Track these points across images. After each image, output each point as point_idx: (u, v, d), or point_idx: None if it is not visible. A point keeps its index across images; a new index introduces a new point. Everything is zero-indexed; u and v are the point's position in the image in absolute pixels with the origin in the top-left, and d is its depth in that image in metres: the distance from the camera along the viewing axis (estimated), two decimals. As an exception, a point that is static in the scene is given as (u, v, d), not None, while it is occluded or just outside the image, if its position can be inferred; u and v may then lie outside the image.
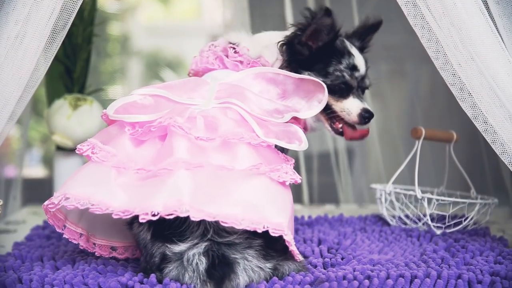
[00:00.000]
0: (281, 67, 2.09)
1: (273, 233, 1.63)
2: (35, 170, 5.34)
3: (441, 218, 2.46)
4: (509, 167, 1.92)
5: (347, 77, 2.14)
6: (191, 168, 1.68)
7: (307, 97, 1.96)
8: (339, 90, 2.15)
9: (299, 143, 1.83)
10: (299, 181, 1.78)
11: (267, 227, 1.63)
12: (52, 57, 1.94)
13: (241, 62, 2.08)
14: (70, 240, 1.90)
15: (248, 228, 1.62)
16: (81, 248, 1.93)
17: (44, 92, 2.91)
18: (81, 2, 1.91)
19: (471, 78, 1.90)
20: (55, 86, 2.82)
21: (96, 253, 1.93)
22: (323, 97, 1.95)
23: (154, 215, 1.60)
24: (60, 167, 2.76)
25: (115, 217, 1.65)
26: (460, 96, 1.94)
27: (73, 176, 1.78)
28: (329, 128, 2.21)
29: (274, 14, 3.43)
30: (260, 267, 1.72)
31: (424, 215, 2.42)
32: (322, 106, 1.95)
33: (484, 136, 1.93)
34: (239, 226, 1.61)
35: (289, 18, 3.33)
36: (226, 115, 1.83)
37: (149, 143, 1.80)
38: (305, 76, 2.01)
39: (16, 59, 1.84)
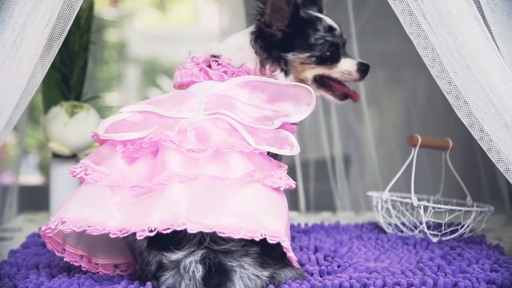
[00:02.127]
0: (262, 60, 2.12)
1: (271, 240, 1.63)
2: (31, 177, 5.34)
3: (437, 226, 2.46)
4: (505, 175, 1.93)
5: (331, 38, 2.17)
6: (185, 181, 1.68)
7: (296, 101, 1.94)
8: (330, 55, 2.17)
9: (291, 148, 1.83)
10: (294, 186, 1.78)
11: (265, 235, 1.63)
12: (49, 65, 1.94)
13: (225, 72, 2.08)
14: (71, 262, 1.89)
15: (245, 237, 1.62)
16: (84, 269, 1.91)
17: (40, 99, 2.90)
18: (78, 9, 1.91)
19: (467, 86, 1.90)
20: (51, 93, 2.82)
21: (100, 273, 1.91)
22: (311, 100, 1.92)
23: (151, 231, 1.60)
24: (57, 175, 2.76)
25: (112, 236, 1.65)
26: (456, 104, 1.94)
27: (69, 199, 1.78)
28: (333, 98, 2.25)
29: (270, 21, 3.43)
30: (257, 275, 1.72)
31: (421, 223, 2.42)
32: (311, 109, 1.92)
33: (480, 144, 1.94)
34: (237, 235, 1.61)
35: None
36: (217, 126, 1.82)
37: (142, 159, 1.80)
38: (291, 82, 2.01)
39: (13, 67, 1.84)
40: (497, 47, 1.89)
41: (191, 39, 6.15)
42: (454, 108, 1.95)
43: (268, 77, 2.08)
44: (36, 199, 3.28)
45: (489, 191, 3.18)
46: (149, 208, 1.65)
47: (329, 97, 2.25)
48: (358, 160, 3.91)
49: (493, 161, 1.93)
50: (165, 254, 1.71)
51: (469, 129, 1.94)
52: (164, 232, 1.60)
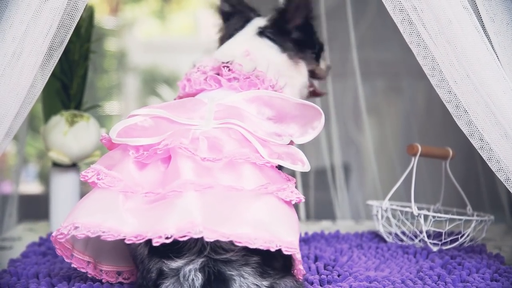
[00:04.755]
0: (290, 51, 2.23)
1: (286, 251, 1.63)
2: (31, 186, 5.33)
3: (437, 235, 2.46)
4: (505, 184, 1.93)
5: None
6: (200, 189, 1.67)
7: (302, 122, 1.93)
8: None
9: (302, 164, 1.83)
10: (303, 199, 1.78)
11: (280, 246, 1.62)
12: (49, 74, 1.94)
13: (237, 78, 2.07)
14: (78, 269, 1.88)
15: (261, 247, 1.61)
16: (90, 276, 1.90)
17: (40, 108, 2.90)
18: (78, 19, 1.92)
19: (467, 95, 1.90)
20: (51, 102, 2.82)
21: (103, 280, 1.91)
22: (319, 124, 1.91)
23: (167, 238, 1.59)
24: (56, 184, 2.76)
25: (127, 242, 1.64)
26: (456, 113, 1.94)
27: (79, 204, 1.76)
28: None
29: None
30: (257, 285, 1.71)
31: (421, 232, 2.42)
32: (316, 133, 1.91)
33: (480, 153, 1.94)
34: (253, 245, 1.60)
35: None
36: (229, 136, 1.82)
37: (152, 166, 1.79)
38: (302, 101, 1.98)
39: (13, 76, 1.84)
40: (497, 56, 1.89)
41: (191, 48, 6.17)
42: (454, 117, 1.95)
43: (296, 65, 2.24)
44: (36, 208, 3.28)
45: (489, 200, 3.18)
46: (164, 214, 1.64)
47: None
48: (358, 169, 3.91)
49: (493, 170, 1.93)
50: (166, 262, 1.71)
51: (469, 138, 1.94)
52: (181, 239, 1.59)
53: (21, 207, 3.16)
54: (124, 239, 1.64)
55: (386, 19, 2.01)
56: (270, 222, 1.66)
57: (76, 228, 1.68)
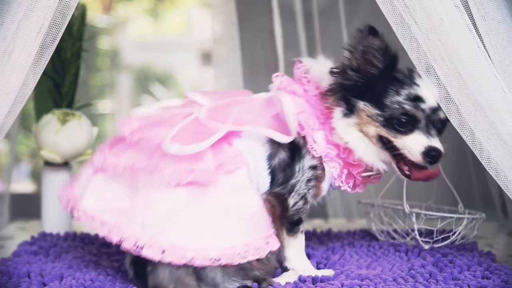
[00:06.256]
0: (325, 93, 2.01)
1: None
2: (23, 185, 5.32)
3: (429, 233, 2.47)
4: (494, 177, 1.93)
5: (408, 108, 1.93)
6: None
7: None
8: (400, 123, 1.94)
9: None
10: None
11: None
12: (41, 72, 1.93)
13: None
14: None
15: None
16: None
17: (32, 106, 2.90)
18: (70, 17, 1.91)
19: (459, 93, 1.91)
20: (43, 101, 2.82)
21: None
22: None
23: None
24: (48, 182, 2.75)
25: None
26: (448, 110, 1.95)
27: None
28: (396, 169, 2.01)
29: (263, 29, 3.44)
30: None
31: (412, 230, 2.43)
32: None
33: (471, 148, 1.94)
34: None
35: (278, 32, 3.34)
36: None
37: None
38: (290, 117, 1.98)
39: (4, 75, 1.84)
40: (489, 55, 1.90)
41: (184, 46, 6.16)
42: (446, 114, 1.96)
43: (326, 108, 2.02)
44: (28, 207, 3.27)
45: (480, 198, 3.18)
46: None
47: (393, 165, 2.01)
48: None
49: (483, 163, 1.93)
50: None
51: (459, 132, 1.94)
52: None
53: (13, 206, 3.14)
54: None
55: (379, 17, 2.00)
56: None
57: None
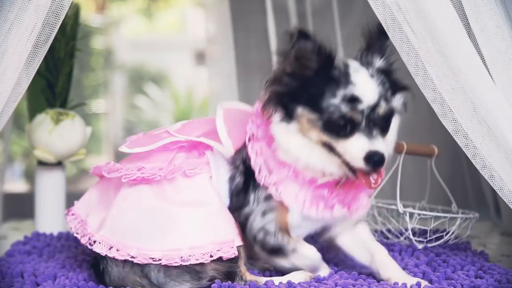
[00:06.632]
0: (264, 102, 1.88)
1: None
2: (17, 185, 5.30)
3: (422, 233, 2.47)
4: (489, 181, 1.93)
5: (345, 110, 1.78)
6: None
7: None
8: (339, 127, 1.79)
9: None
10: None
11: None
12: (34, 72, 1.93)
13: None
14: None
15: None
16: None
17: (26, 106, 2.89)
18: (63, 16, 1.91)
19: (452, 94, 1.91)
20: (37, 100, 2.81)
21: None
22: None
23: None
24: (42, 182, 2.74)
25: None
26: (441, 112, 1.95)
27: None
28: (348, 172, 1.84)
29: (257, 28, 3.44)
30: None
31: (406, 230, 2.43)
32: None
33: (465, 151, 1.94)
34: None
35: (272, 32, 3.34)
36: None
37: None
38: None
39: (-3, 74, 1.83)
40: (482, 54, 1.90)
41: (178, 46, 6.15)
42: (439, 116, 1.96)
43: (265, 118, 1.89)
44: (21, 207, 3.26)
45: (474, 198, 3.19)
46: None
47: (344, 168, 1.84)
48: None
49: (478, 167, 1.93)
50: None
51: (453, 136, 1.94)
52: None
53: (6, 205, 3.13)
54: None
55: (372, 18, 2.00)
56: None
57: None
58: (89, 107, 5.08)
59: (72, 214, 2.00)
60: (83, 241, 1.91)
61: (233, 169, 1.97)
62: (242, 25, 3.43)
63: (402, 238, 2.46)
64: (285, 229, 1.92)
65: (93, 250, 1.88)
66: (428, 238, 2.40)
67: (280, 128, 1.86)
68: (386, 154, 1.79)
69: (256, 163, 1.91)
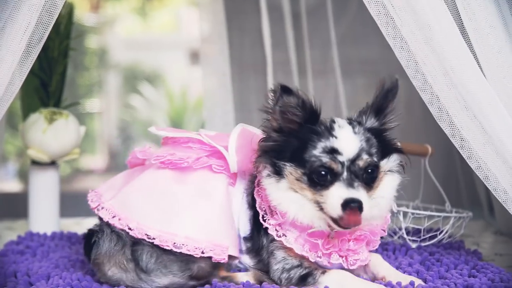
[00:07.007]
0: (258, 159, 1.92)
1: None
2: (10, 185, 5.29)
3: (416, 232, 2.48)
4: (484, 182, 1.94)
5: (325, 160, 1.81)
6: None
7: None
8: (319, 177, 1.82)
9: None
10: None
11: None
12: (27, 71, 1.92)
13: None
14: None
15: None
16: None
17: (19, 105, 2.88)
18: (57, 16, 1.90)
19: (448, 96, 1.91)
20: (30, 99, 2.80)
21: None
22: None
23: None
24: (36, 182, 2.74)
25: None
26: (438, 115, 1.95)
27: None
28: (332, 224, 1.83)
29: (251, 27, 3.44)
30: None
31: (400, 229, 2.43)
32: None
33: (461, 152, 1.95)
34: None
35: (266, 31, 3.34)
36: None
37: None
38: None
39: (-10, 74, 1.83)
40: (475, 54, 1.91)
41: (173, 45, 6.14)
42: (435, 118, 1.96)
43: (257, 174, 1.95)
44: (14, 207, 3.25)
45: (467, 197, 3.20)
46: None
47: (328, 220, 1.84)
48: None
49: (473, 168, 1.94)
50: None
51: (450, 138, 1.95)
52: None
53: (0, 205, 3.13)
54: None
55: (367, 17, 2.01)
56: None
57: None
58: (83, 106, 5.07)
59: (95, 192, 2.06)
60: (93, 205, 1.99)
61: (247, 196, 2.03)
62: (237, 24, 3.43)
63: (396, 237, 2.47)
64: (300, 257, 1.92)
65: (98, 215, 1.96)
66: (422, 237, 2.41)
67: (270, 183, 1.89)
68: (366, 205, 1.78)
69: (260, 208, 1.95)
